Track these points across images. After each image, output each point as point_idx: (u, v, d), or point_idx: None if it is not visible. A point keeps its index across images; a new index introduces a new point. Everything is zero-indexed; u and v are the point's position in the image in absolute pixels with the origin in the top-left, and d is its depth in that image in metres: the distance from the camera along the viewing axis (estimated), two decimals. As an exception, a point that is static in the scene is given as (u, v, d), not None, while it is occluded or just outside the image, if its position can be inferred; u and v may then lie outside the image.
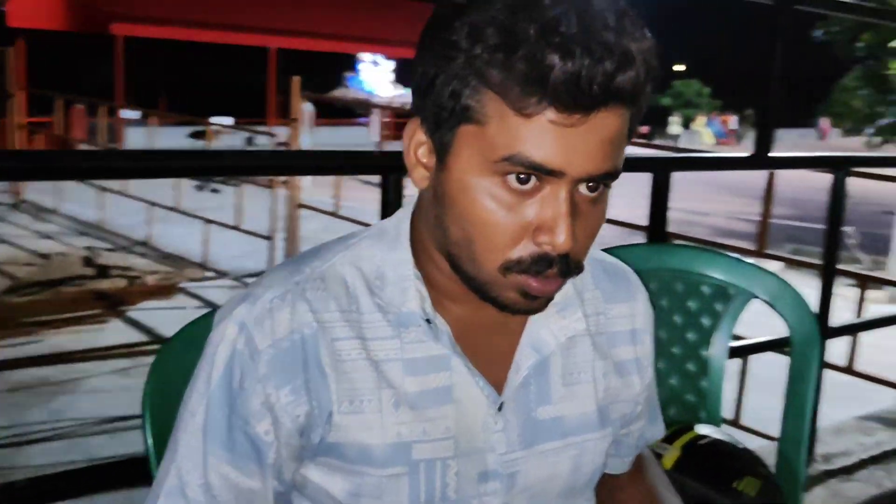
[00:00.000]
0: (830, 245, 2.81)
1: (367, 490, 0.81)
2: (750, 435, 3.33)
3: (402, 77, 24.12)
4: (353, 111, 23.25)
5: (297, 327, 0.80)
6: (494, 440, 0.85)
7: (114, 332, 5.80)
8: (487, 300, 0.80)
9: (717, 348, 1.61)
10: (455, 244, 0.78)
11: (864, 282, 4.68)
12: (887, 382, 4.66)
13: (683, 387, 1.63)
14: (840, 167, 2.73)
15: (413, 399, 0.82)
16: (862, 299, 4.71)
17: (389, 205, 1.79)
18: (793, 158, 2.68)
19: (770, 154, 2.44)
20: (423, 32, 0.78)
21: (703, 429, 1.42)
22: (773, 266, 5.80)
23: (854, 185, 2.83)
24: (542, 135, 0.71)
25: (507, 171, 0.73)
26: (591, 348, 0.93)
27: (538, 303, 0.79)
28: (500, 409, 0.86)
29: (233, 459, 0.79)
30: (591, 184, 0.75)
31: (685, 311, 1.63)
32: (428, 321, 0.83)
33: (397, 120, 13.78)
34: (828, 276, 2.81)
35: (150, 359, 1.12)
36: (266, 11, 18.09)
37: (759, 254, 5.01)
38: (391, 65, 23.79)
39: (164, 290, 6.81)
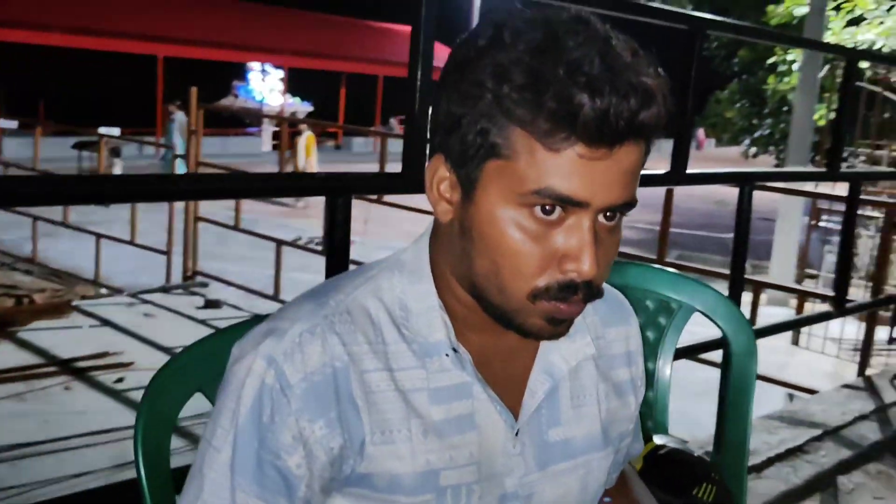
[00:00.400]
0: (738, 254, 2.96)
1: None
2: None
3: (292, 86, 23.86)
4: (243, 121, 22.84)
5: (328, 360, 0.81)
6: (513, 463, 0.88)
7: (4, 354, 5.52)
8: (513, 328, 0.83)
9: (663, 360, 1.68)
10: (482, 275, 0.81)
11: (759, 287, 4.94)
12: (780, 382, 4.94)
13: (630, 398, 1.70)
14: (747, 182, 2.88)
15: (440, 427, 0.85)
16: (756, 303, 4.98)
17: (337, 226, 1.79)
18: (706, 175, 2.82)
19: (687, 171, 2.56)
20: (443, 74, 0.81)
21: (660, 438, 1.48)
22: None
23: (732, 194, 2.98)
24: (569, 168, 0.75)
25: (534, 203, 0.76)
26: (595, 371, 0.97)
27: (563, 327, 0.83)
28: (516, 433, 0.89)
29: (262, 494, 0.79)
30: (609, 213, 0.79)
31: (631, 326, 1.69)
32: (455, 350, 0.85)
33: (288, 130, 13.59)
34: (738, 283, 2.95)
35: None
36: (152, 18, 17.58)
37: (658, 261, 5.22)
38: (280, 73, 23.48)
39: (56, 309, 6.53)
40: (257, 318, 1.14)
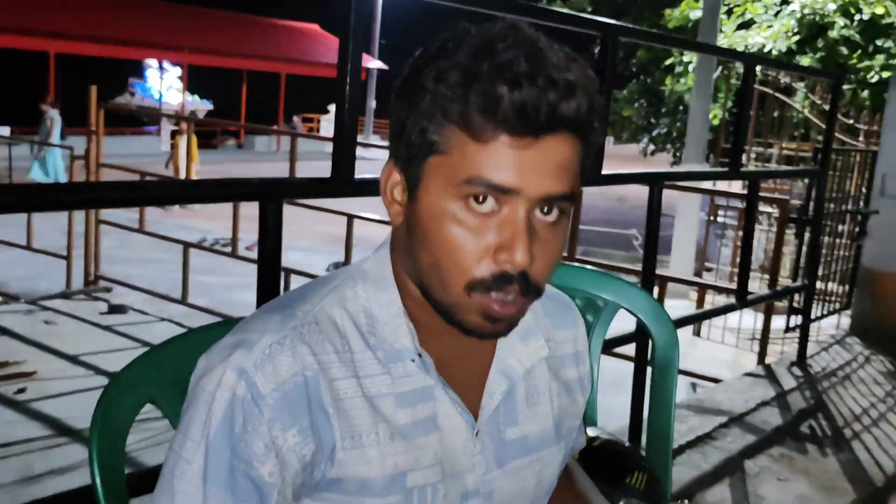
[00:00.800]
0: (650, 250, 3.08)
1: None
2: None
3: (192, 84, 23.31)
4: (140, 119, 22.18)
5: (299, 370, 0.83)
6: (474, 462, 0.92)
7: None
8: (454, 324, 0.86)
9: (591, 356, 1.74)
10: (425, 271, 0.85)
11: (664, 281, 5.12)
12: (684, 372, 5.13)
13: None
14: (656, 181, 3.00)
15: (405, 430, 0.88)
16: (662, 297, 5.16)
17: (268, 232, 1.79)
18: (620, 175, 2.93)
19: (602, 172, 2.65)
20: (397, 84, 0.86)
21: (592, 431, 1.54)
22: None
23: (636, 191, 3.09)
24: (497, 157, 0.79)
25: (468, 194, 0.81)
26: (547, 371, 1.02)
27: (501, 325, 0.86)
28: (476, 433, 0.92)
29: (235, 503, 0.81)
30: (546, 208, 0.83)
31: (560, 323, 1.76)
32: (420, 355, 0.88)
33: (194, 129, 13.23)
34: (649, 278, 3.07)
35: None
36: (43, 13, 16.88)
37: (568, 258, 5.35)
38: (178, 71, 22.91)
39: (-51, 319, 6.22)
40: (203, 328, 1.15)
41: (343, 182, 1.88)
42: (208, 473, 0.81)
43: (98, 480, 1.00)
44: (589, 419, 1.73)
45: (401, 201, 0.87)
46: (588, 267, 1.78)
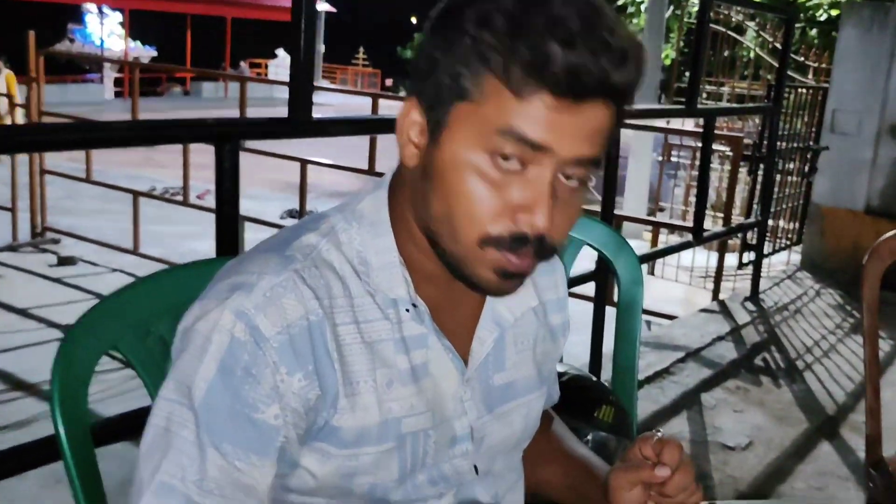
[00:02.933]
0: (608, 190, 3.08)
1: (361, 468, 0.84)
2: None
3: (134, 30, 22.62)
4: (82, 67, 21.51)
5: (304, 313, 0.80)
6: (465, 407, 0.91)
7: None
8: (463, 279, 0.83)
9: (557, 293, 1.75)
10: (436, 219, 0.82)
11: (619, 220, 5.15)
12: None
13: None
14: (615, 119, 2.99)
15: (403, 376, 0.86)
16: (618, 237, 5.20)
17: (225, 175, 1.74)
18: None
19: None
20: (432, 19, 0.81)
21: (560, 367, 1.55)
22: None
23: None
24: (535, 115, 0.76)
25: (497, 148, 0.77)
26: (534, 317, 1.01)
27: (512, 283, 0.84)
28: (466, 379, 0.92)
29: (234, 451, 0.78)
30: (571, 173, 0.80)
31: (525, 261, 1.75)
32: (414, 305, 0.87)
33: (139, 76, 12.83)
34: (608, 218, 3.08)
35: None
36: (-28, -45, 16.16)
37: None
38: (119, 16, 22.20)
39: None
40: (167, 270, 1.12)
41: (301, 122, 1.83)
42: (207, 420, 0.77)
43: (62, 431, 0.97)
44: (555, 355, 1.74)
45: (418, 143, 0.83)
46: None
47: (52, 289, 6.03)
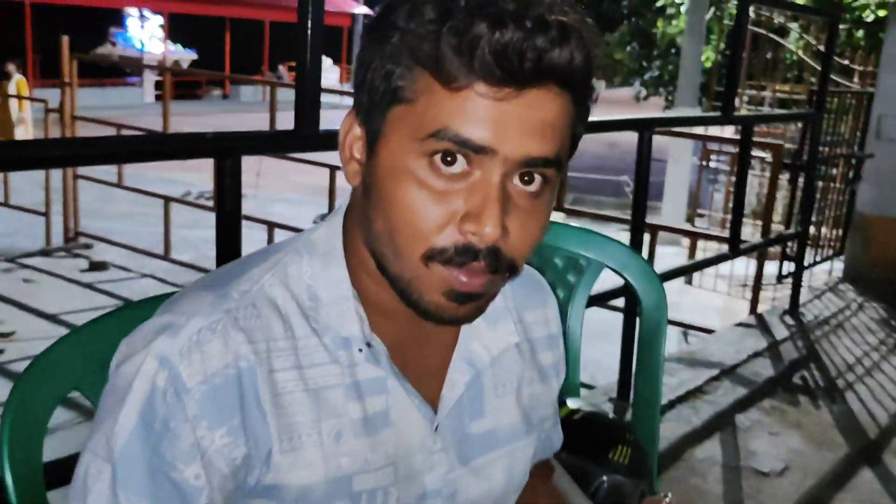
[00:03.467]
0: (639, 200, 2.96)
1: None
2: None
3: (174, 33, 22.84)
4: (123, 70, 21.76)
5: (231, 360, 0.71)
6: (434, 460, 0.81)
7: None
8: (412, 305, 0.74)
9: (573, 319, 1.64)
10: (380, 239, 0.73)
11: (655, 230, 5.01)
12: (676, 322, 5.06)
13: (540, 358, 1.66)
14: (646, 128, 2.86)
15: (355, 426, 0.77)
16: (653, 245, 5.06)
17: (226, 190, 1.66)
18: (606, 122, 2.79)
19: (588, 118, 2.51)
20: (366, 24, 0.76)
21: (573, 403, 1.44)
22: (559, 217, 6.11)
23: (628, 136, 2.97)
24: (470, 109, 0.67)
25: (434, 150, 0.68)
26: (519, 357, 0.90)
27: (466, 309, 0.73)
28: (436, 428, 0.81)
29: None
30: (526, 175, 0.70)
31: (540, 285, 1.64)
32: (368, 344, 0.77)
33: (176, 79, 12.93)
34: (639, 229, 2.96)
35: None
36: (16, -39, 16.42)
37: (556, 208, 5.23)
38: (160, 20, 22.42)
39: (-75, 279, 6.09)
40: (135, 304, 1.03)
41: (306, 135, 1.74)
42: (124, 475, 0.69)
43: (9, 479, 0.90)
44: (572, 386, 1.62)
45: (360, 159, 0.75)
46: (569, 223, 1.66)
47: (82, 294, 6.04)
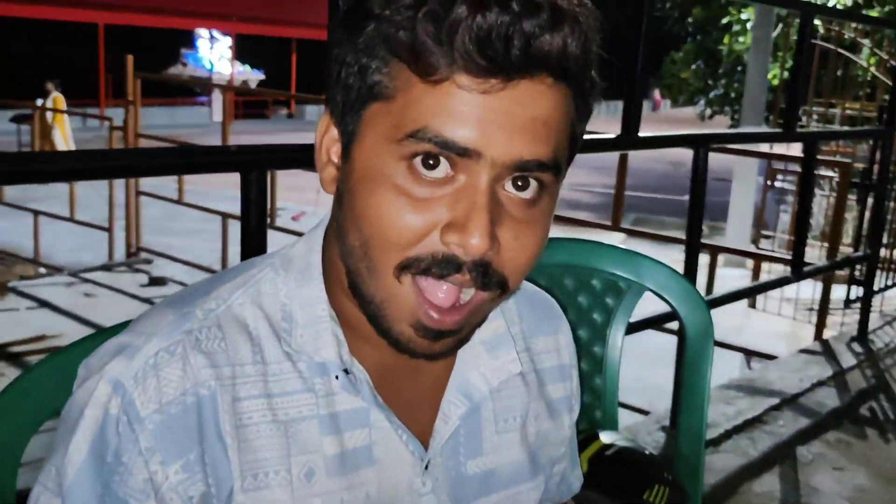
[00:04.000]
0: (694, 219, 2.83)
1: None
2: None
3: (242, 54, 23.29)
4: (192, 90, 22.28)
5: (191, 388, 0.64)
6: (424, 503, 0.72)
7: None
8: (383, 335, 0.66)
9: (612, 345, 1.54)
10: (353, 253, 0.65)
11: (715, 251, 4.84)
12: (737, 348, 4.87)
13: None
14: (701, 144, 2.74)
15: (331, 464, 0.68)
16: (713, 267, 4.88)
17: (252, 205, 1.61)
18: (659, 138, 2.67)
19: (639, 134, 2.41)
20: (340, 14, 0.69)
21: (607, 437, 1.34)
22: (618, 237, 5.95)
23: (687, 155, 2.85)
24: (452, 105, 0.59)
25: (413, 153, 0.60)
26: (524, 388, 0.81)
27: (441, 345, 0.65)
28: (426, 466, 0.73)
29: None
30: (520, 180, 0.62)
31: (576, 308, 1.55)
32: (346, 371, 0.69)
33: (238, 98, 13.12)
34: (694, 249, 2.83)
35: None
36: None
37: (613, 227, 5.10)
38: (229, 41, 22.90)
39: (-8, 291, 6.24)
40: (120, 325, 0.97)
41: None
42: None
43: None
44: (609, 418, 1.52)
45: (337, 164, 0.67)
46: (608, 244, 1.56)
47: (140, 309, 6.08)
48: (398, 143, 0.61)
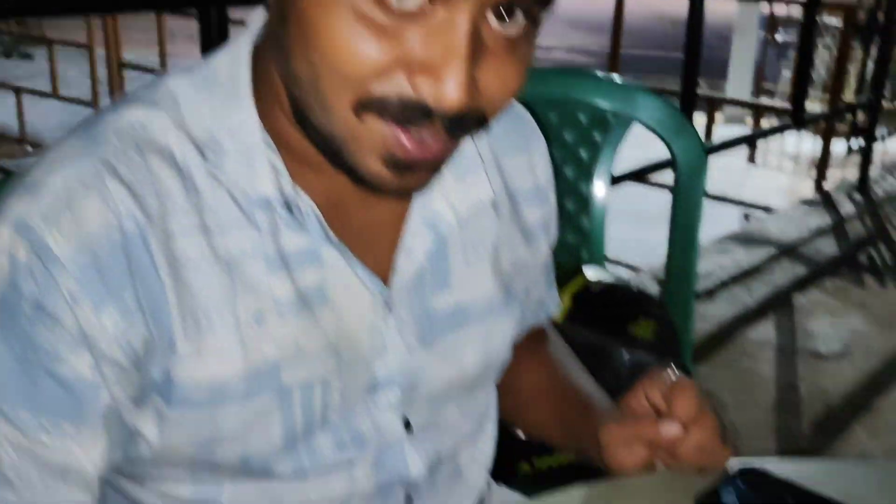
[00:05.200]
0: (690, 64, 2.72)
1: (224, 434, 0.60)
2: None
3: None
4: None
5: (113, 221, 0.55)
6: (386, 343, 0.65)
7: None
8: (343, 169, 0.56)
9: (599, 182, 1.46)
10: (300, 83, 0.54)
11: (712, 104, 4.72)
12: (736, 201, 4.81)
13: (562, 228, 1.49)
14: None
15: (283, 306, 0.60)
16: (711, 120, 4.77)
17: (212, 45, 1.50)
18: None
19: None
20: None
21: (592, 273, 1.28)
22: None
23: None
24: None
25: None
26: (494, 215, 0.72)
27: (412, 178, 0.56)
28: (388, 305, 0.65)
29: (35, 420, 0.55)
30: (507, 9, 0.51)
31: (561, 145, 1.46)
32: (289, 205, 0.60)
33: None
34: (690, 96, 2.72)
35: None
36: None
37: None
38: None
39: (-22, 172, 6.13)
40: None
41: None
42: None
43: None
44: (596, 257, 1.46)
45: None
46: (595, 73, 1.46)
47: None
48: None
